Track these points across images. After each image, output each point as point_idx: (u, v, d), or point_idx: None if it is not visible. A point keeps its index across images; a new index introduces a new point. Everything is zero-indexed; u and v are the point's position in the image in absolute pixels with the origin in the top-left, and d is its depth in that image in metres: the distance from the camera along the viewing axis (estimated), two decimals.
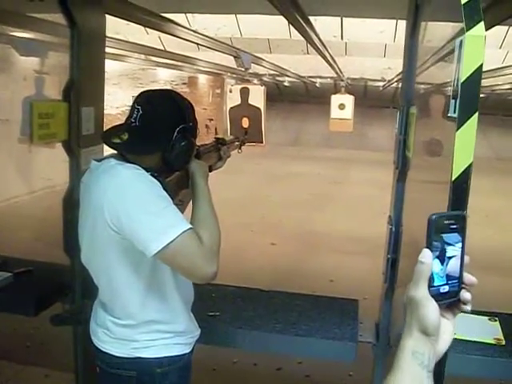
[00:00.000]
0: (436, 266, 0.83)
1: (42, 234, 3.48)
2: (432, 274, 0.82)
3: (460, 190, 1.06)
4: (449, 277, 0.84)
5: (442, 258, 0.83)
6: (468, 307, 0.85)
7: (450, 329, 0.85)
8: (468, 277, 0.85)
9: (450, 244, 0.83)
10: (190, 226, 1.50)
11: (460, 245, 0.84)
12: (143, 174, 1.54)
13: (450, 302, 0.85)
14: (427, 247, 0.83)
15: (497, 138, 16.97)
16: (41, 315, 2.36)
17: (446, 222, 0.83)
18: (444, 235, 0.83)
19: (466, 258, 0.84)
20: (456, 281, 0.84)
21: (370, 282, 3.11)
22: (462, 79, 1.01)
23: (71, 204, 2.27)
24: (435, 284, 0.83)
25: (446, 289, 0.83)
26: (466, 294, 0.84)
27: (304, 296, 2.64)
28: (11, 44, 7.17)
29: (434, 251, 0.83)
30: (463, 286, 0.85)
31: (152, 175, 1.55)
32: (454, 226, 0.83)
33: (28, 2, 1.98)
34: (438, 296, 0.83)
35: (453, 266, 0.84)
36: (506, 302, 3.55)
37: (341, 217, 8.47)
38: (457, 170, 1.04)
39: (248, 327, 2.27)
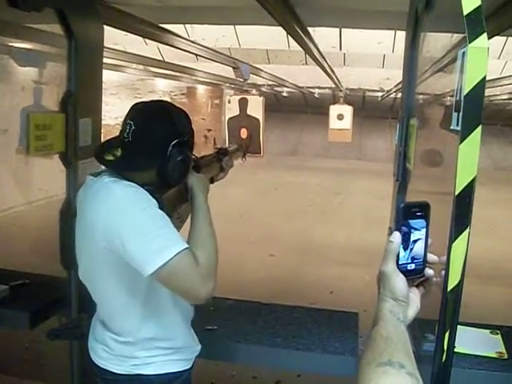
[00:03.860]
0: (403, 247, 0.97)
1: (39, 246, 3.46)
2: (399, 254, 0.96)
3: (464, 204, 1.04)
4: (414, 256, 0.98)
5: (408, 240, 0.97)
6: (434, 279, 1.02)
7: (416, 302, 1.00)
8: (431, 256, 1.00)
9: (416, 229, 0.97)
10: (187, 245, 1.45)
11: (425, 229, 0.97)
12: (138, 192, 1.49)
13: (415, 277, 0.99)
14: (397, 230, 0.96)
15: (496, 148, 16.98)
16: (37, 328, 2.34)
17: (413, 209, 0.97)
18: (411, 221, 0.96)
19: (429, 241, 0.99)
20: (421, 260, 0.98)
21: (369, 293, 3.07)
22: (465, 92, 0.98)
23: (68, 216, 2.25)
24: (401, 262, 0.97)
25: (412, 266, 0.98)
26: (429, 271, 1.00)
27: (303, 309, 2.61)
28: (10, 54, 7.18)
29: (402, 234, 0.96)
30: (427, 264, 1.00)
31: (148, 191, 1.50)
32: (420, 213, 0.96)
33: (26, 13, 1.96)
34: (405, 272, 0.97)
35: (418, 247, 0.98)
36: (507, 314, 3.52)
37: (340, 227, 8.44)
38: (460, 184, 1.02)
39: (247, 341, 2.24)
